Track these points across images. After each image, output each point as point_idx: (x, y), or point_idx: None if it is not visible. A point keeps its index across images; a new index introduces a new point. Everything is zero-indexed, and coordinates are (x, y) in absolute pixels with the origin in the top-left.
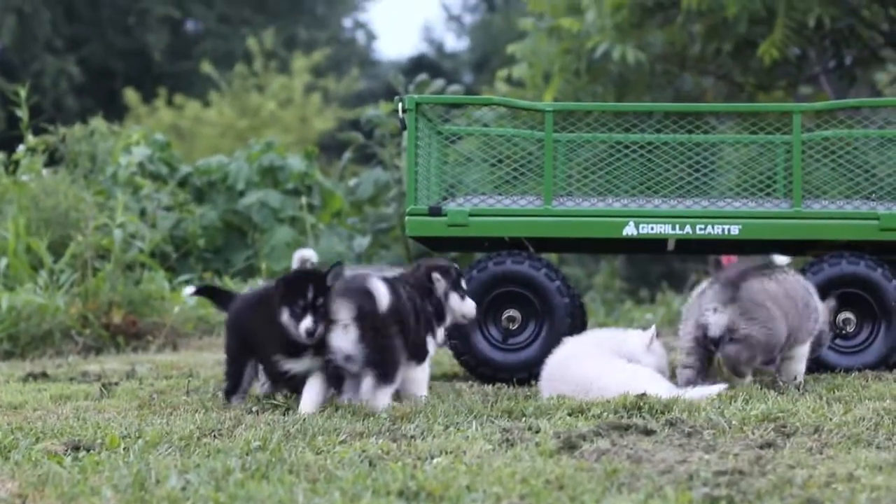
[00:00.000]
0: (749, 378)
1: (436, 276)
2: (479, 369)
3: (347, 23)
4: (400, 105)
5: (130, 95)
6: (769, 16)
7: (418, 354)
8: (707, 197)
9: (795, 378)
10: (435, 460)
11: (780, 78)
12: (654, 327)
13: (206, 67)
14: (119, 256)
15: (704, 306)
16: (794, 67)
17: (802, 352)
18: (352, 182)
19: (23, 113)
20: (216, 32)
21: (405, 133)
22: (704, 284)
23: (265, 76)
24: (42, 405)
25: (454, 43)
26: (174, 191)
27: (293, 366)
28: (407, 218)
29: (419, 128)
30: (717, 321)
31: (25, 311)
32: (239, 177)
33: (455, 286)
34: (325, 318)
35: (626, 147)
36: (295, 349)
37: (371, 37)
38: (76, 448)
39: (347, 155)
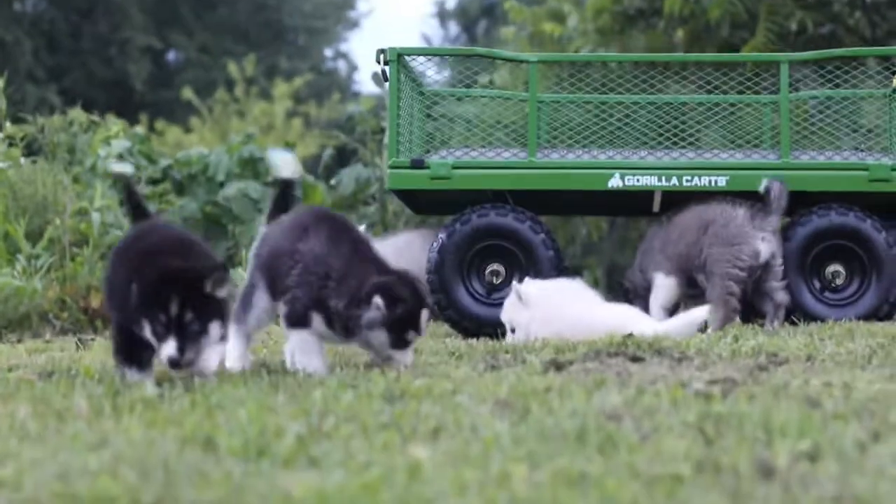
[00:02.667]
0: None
1: (377, 301)
2: (463, 324)
3: (328, 53)
4: (381, 56)
5: (111, 122)
6: (751, 20)
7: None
8: (693, 149)
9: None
10: (419, 380)
11: (763, 83)
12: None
13: (188, 94)
14: (97, 241)
15: (753, 234)
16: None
17: None
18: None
19: (1, 102)
20: (197, 62)
21: (387, 86)
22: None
23: (246, 102)
24: (16, 355)
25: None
26: (154, 178)
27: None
28: (388, 171)
29: (401, 80)
30: (767, 248)
31: (2, 294)
32: (219, 168)
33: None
34: (197, 339)
35: (610, 106)
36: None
37: (352, 67)
38: (49, 374)
39: (328, 151)
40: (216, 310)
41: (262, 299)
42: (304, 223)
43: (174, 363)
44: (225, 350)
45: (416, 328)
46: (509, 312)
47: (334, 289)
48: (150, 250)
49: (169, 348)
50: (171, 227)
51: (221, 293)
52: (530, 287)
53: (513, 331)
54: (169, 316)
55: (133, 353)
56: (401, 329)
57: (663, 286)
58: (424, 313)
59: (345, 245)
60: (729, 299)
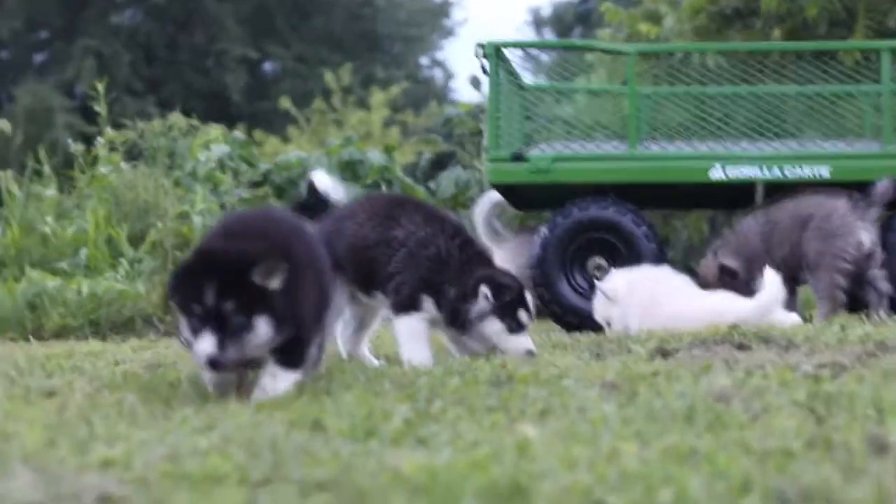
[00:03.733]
0: None
1: (484, 290)
2: (566, 318)
3: (424, 61)
4: (481, 50)
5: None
6: (849, 17)
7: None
8: (795, 139)
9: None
10: (525, 367)
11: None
12: None
13: (285, 104)
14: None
15: (855, 225)
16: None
17: None
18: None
19: (101, 108)
20: (293, 72)
21: (486, 81)
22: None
23: (343, 111)
24: (122, 352)
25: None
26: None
27: None
28: (488, 165)
29: (500, 75)
30: (869, 239)
31: (106, 298)
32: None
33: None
34: (240, 336)
35: (710, 97)
36: None
37: (449, 75)
38: (156, 367)
39: (427, 156)
40: (266, 304)
41: (338, 298)
42: (384, 211)
43: (214, 363)
44: (296, 378)
45: (527, 308)
46: (601, 311)
47: (448, 273)
48: (218, 232)
49: (205, 344)
50: (273, 211)
51: (274, 284)
52: (616, 281)
53: (608, 325)
54: (205, 307)
55: None
56: (512, 312)
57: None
58: (529, 295)
59: (448, 228)
60: (836, 293)
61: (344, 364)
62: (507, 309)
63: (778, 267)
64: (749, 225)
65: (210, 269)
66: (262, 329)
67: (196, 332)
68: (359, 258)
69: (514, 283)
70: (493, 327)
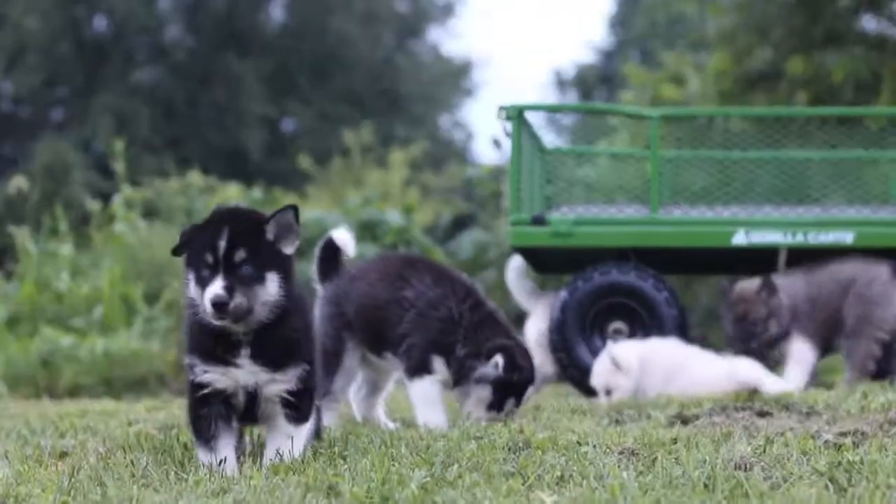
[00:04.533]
0: None
1: (498, 360)
2: (585, 383)
3: (445, 121)
4: (503, 113)
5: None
6: (875, 81)
7: None
8: (819, 204)
9: None
10: (543, 432)
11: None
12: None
13: (304, 162)
14: None
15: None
16: None
17: None
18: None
19: (119, 166)
20: (313, 130)
21: (508, 144)
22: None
23: (363, 170)
24: (135, 412)
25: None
26: None
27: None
28: (510, 228)
29: (522, 136)
30: None
31: (120, 356)
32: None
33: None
34: (250, 286)
35: (734, 161)
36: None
37: (469, 136)
38: (170, 428)
39: (446, 217)
40: (278, 264)
41: (349, 359)
42: (395, 271)
43: (220, 304)
44: (309, 433)
45: (518, 400)
46: (604, 377)
47: (458, 334)
48: None
49: (214, 287)
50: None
51: (288, 249)
52: (628, 351)
53: (607, 393)
54: (216, 255)
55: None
56: (505, 394)
57: (805, 350)
58: (531, 390)
59: (458, 288)
60: (869, 362)
61: (359, 428)
62: (504, 388)
63: (817, 330)
64: (796, 284)
65: (224, 221)
66: (272, 286)
67: (205, 281)
68: (369, 318)
69: (527, 368)
70: (481, 394)
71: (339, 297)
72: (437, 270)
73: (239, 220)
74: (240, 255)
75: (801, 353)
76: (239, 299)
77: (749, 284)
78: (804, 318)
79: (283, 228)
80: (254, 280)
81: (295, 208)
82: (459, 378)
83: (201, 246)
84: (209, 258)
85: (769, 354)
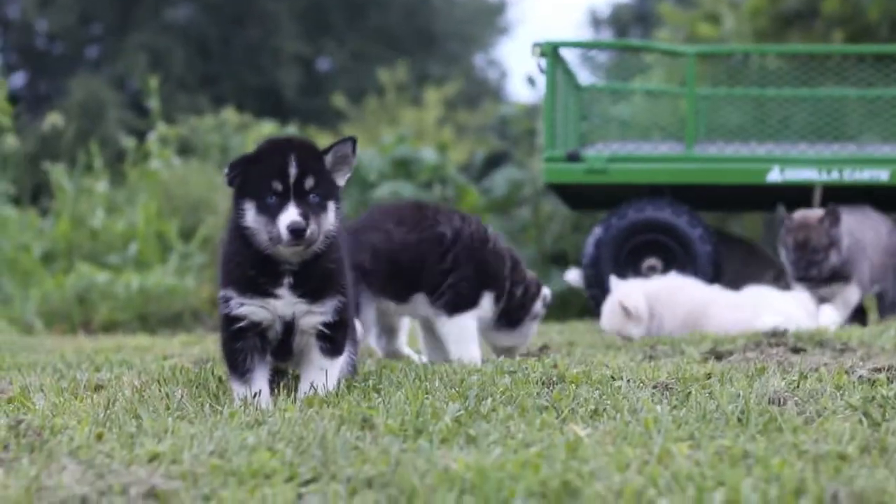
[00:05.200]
0: None
1: (547, 294)
2: None
3: (479, 60)
4: (538, 50)
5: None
6: None
7: None
8: (854, 141)
9: None
10: (577, 367)
11: None
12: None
13: (339, 101)
14: None
15: None
16: None
17: None
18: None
19: (154, 103)
20: (347, 69)
21: (543, 80)
22: None
23: (397, 109)
24: (171, 347)
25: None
26: None
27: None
28: (544, 164)
29: (557, 73)
30: None
31: (155, 293)
32: (371, 168)
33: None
34: (318, 214)
35: (769, 99)
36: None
37: (504, 74)
38: (205, 362)
39: (480, 154)
40: (336, 192)
41: (367, 312)
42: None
43: (298, 230)
44: (344, 367)
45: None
46: (614, 323)
47: (509, 269)
48: None
49: (290, 213)
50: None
51: (341, 180)
52: (636, 296)
53: (622, 338)
54: (286, 182)
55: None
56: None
57: (855, 294)
58: None
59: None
60: None
61: (393, 363)
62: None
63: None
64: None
65: (290, 149)
66: (332, 215)
67: (275, 209)
68: (395, 262)
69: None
70: (532, 330)
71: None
72: (451, 210)
73: (303, 149)
74: (309, 182)
75: (851, 295)
76: (312, 226)
77: (812, 212)
78: (859, 259)
79: (339, 159)
80: (320, 208)
81: (353, 140)
82: (518, 314)
83: (266, 174)
84: (278, 186)
85: (823, 284)
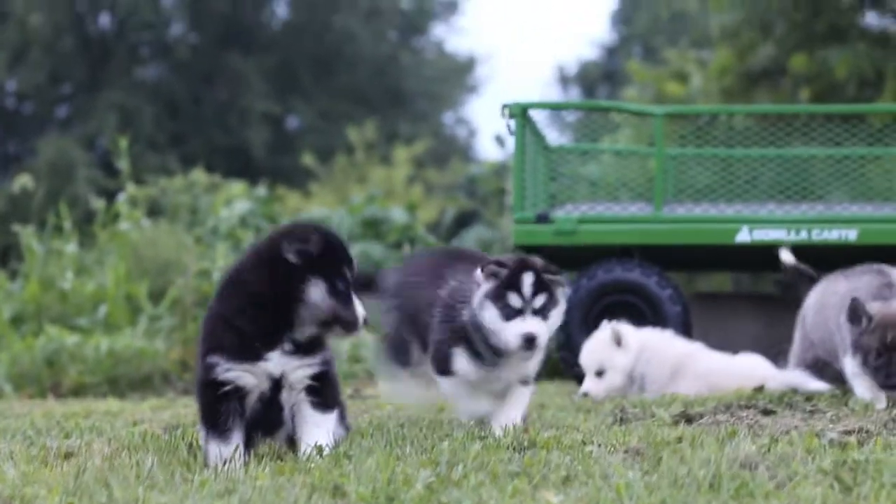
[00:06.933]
0: None
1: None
2: None
3: (448, 118)
4: (507, 111)
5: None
6: (878, 79)
7: None
8: (822, 201)
9: None
10: (548, 431)
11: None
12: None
13: (308, 160)
14: None
15: None
16: None
17: None
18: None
19: (123, 164)
20: (317, 127)
21: (512, 141)
22: None
23: (366, 167)
24: (140, 411)
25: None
26: None
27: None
28: (514, 226)
29: (526, 134)
30: None
31: (125, 355)
32: (341, 229)
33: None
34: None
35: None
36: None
37: (472, 132)
38: (175, 428)
39: (450, 212)
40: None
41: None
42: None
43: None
44: (335, 419)
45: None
46: (599, 353)
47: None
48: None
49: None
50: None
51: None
52: (630, 331)
53: (598, 374)
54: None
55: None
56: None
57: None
58: None
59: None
60: None
61: (364, 427)
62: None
63: None
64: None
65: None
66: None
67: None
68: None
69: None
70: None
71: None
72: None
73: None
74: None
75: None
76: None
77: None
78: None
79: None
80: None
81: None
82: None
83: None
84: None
85: None
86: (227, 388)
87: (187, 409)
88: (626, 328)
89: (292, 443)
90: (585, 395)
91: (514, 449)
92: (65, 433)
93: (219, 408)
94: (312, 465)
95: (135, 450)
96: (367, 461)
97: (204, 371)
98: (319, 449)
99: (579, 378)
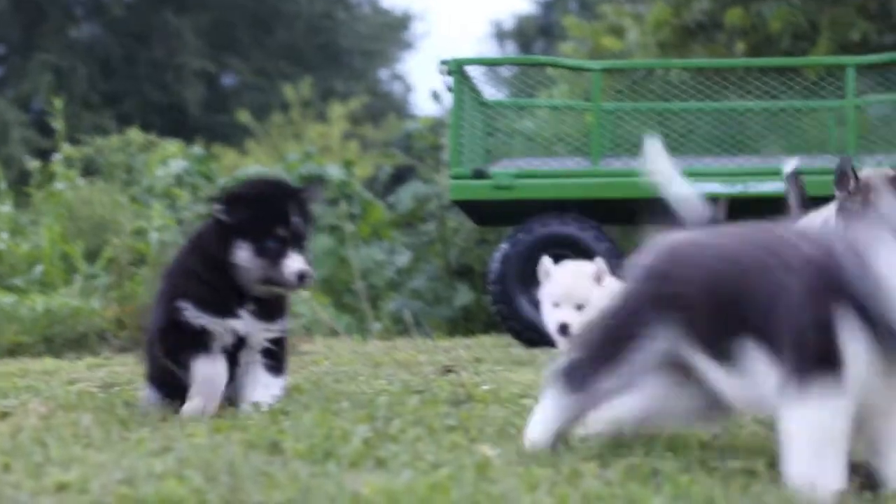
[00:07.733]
0: None
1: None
2: (525, 334)
3: (384, 75)
4: (444, 67)
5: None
6: (813, 31)
7: None
8: (757, 154)
9: None
10: (485, 385)
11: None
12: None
13: (244, 117)
14: (156, 259)
15: None
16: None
17: None
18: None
19: (58, 124)
20: (253, 85)
21: (449, 97)
22: None
23: (302, 125)
24: (77, 370)
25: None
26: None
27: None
28: (451, 181)
29: (463, 90)
30: None
31: (61, 314)
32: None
33: None
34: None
35: (673, 112)
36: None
37: (408, 88)
38: (111, 386)
39: (386, 168)
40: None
41: None
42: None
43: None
44: (283, 385)
45: None
46: (584, 289)
47: None
48: None
49: (297, 262)
50: None
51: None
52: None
53: (579, 308)
54: (289, 228)
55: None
56: None
57: None
58: None
59: None
60: None
61: (301, 384)
62: None
63: None
64: None
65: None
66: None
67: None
68: None
69: None
70: None
71: None
72: None
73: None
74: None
75: None
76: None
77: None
78: None
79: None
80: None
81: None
82: None
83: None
84: (281, 232)
85: None
86: (196, 330)
87: (124, 367)
88: (602, 266)
89: (230, 401)
90: (565, 326)
91: (451, 403)
92: (1, 393)
93: (186, 342)
94: (250, 422)
95: (71, 409)
96: (304, 417)
97: (170, 314)
98: (256, 406)
99: (515, 331)
